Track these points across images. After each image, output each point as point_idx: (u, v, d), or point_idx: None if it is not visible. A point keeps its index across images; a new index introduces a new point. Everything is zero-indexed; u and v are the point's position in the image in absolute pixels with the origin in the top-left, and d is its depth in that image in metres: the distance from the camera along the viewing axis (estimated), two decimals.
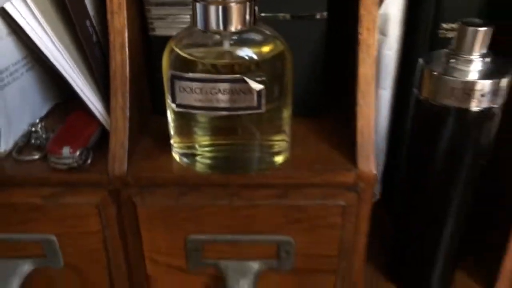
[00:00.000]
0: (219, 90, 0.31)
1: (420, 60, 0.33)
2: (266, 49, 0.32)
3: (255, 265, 0.37)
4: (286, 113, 0.35)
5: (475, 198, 0.36)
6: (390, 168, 0.46)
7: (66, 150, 0.34)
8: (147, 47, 0.40)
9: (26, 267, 0.37)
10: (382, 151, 0.46)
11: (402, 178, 0.38)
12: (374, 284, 0.41)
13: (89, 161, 0.35)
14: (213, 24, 0.31)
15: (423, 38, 0.39)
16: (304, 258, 0.37)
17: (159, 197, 0.35)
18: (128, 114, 0.35)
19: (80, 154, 0.34)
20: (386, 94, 0.42)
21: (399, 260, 0.40)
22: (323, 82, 0.40)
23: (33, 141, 0.37)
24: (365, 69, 0.35)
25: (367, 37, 0.34)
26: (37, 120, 0.39)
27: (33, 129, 0.38)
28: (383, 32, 0.40)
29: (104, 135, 0.37)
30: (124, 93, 0.36)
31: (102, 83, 0.37)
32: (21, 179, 0.35)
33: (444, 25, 0.36)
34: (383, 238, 0.43)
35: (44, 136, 0.38)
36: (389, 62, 0.41)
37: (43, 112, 0.41)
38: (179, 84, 0.31)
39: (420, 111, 0.34)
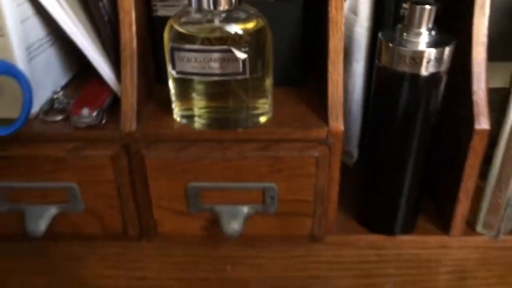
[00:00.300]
0: (211, 59, 0.38)
1: (380, 35, 0.40)
2: (250, 25, 0.39)
3: (244, 209, 0.44)
4: (268, 81, 0.42)
5: (429, 151, 0.42)
6: (365, 132, 0.52)
7: (85, 111, 0.41)
8: (151, 26, 0.46)
9: (52, 211, 0.44)
10: (358, 118, 0.52)
11: (368, 134, 0.45)
12: (347, 227, 0.47)
13: (104, 121, 0.42)
14: (205, 5, 0.37)
15: (388, 16, 0.45)
16: (286, 203, 0.44)
17: (163, 150, 0.42)
18: (136, 82, 0.42)
19: (97, 114, 0.41)
20: (359, 66, 0.49)
21: (368, 206, 0.47)
22: (302, 56, 0.46)
23: (56, 105, 0.44)
24: (334, 42, 0.41)
25: (335, 15, 0.41)
26: (59, 89, 0.46)
27: (56, 96, 0.45)
28: (355, 12, 0.46)
29: (116, 100, 0.44)
30: (132, 64, 0.42)
31: (114, 56, 0.44)
32: (48, 136, 0.42)
33: (404, 5, 0.42)
34: (358, 192, 0.49)
35: (65, 101, 0.44)
36: (360, 38, 0.47)
37: (64, 81, 0.48)
38: (178, 54, 0.38)
39: (380, 77, 0.41)
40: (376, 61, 0.40)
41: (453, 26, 0.42)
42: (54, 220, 0.44)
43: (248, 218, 0.44)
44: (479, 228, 0.46)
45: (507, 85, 0.43)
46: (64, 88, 0.47)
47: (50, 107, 0.44)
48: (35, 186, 0.43)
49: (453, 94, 0.43)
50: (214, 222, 0.45)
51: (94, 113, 0.41)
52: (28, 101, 0.37)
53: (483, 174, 0.45)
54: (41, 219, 0.44)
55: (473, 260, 0.46)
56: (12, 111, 0.40)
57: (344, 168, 0.47)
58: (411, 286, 0.43)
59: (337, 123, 0.41)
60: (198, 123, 0.42)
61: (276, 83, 0.43)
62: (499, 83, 0.44)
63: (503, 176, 0.43)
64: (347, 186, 0.47)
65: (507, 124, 0.42)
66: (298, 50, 0.46)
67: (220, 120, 0.42)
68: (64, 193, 0.43)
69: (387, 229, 0.47)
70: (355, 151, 0.54)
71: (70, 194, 0.43)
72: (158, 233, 0.46)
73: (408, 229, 0.47)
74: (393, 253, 0.46)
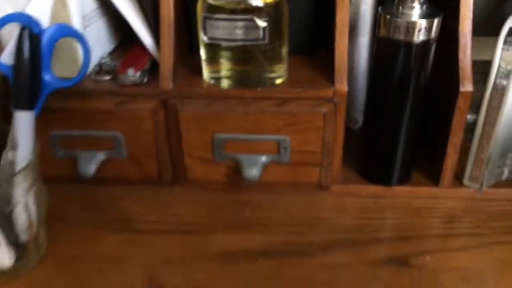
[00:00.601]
0: (236, 27, 0.45)
1: (379, 9, 0.47)
2: None
3: (262, 158, 0.51)
4: (284, 49, 0.49)
5: (422, 111, 0.49)
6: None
7: (130, 71, 0.49)
8: (185, 1, 0.54)
9: (100, 157, 0.52)
10: (363, 87, 0.59)
11: (369, 95, 0.52)
12: (350, 179, 0.55)
13: (145, 80, 0.50)
14: None
15: None
16: (297, 154, 0.51)
17: (194, 105, 0.49)
18: (172, 48, 0.50)
19: (140, 74, 0.49)
20: (364, 40, 0.56)
21: (369, 161, 0.54)
22: (313, 28, 0.54)
23: (104, 68, 0.52)
24: (341, 17, 0.48)
25: None
26: (106, 54, 0.54)
27: (103, 60, 0.53)
28: None
29: (155, 64, 0.52)
30: (170, 33, 0.50)
31: (154, 26, 0.52)
32: (98, 92, 0.50)
33: None
34: (361, 151, 0.57)
35: (112, 64, 0.52)
36: (366, 15, 0.54)
37: (110, 48, 0.56)
38: (209, 23, 0.46)
39: (380, 46, 0.48)
40: (376, 31, 0.47)
41: (444, 2, 0.49)
42: (101, 165, 0.53)
43: (265, 167, 0.52)
44: (465, 181, 0.53)
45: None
46: (110, 54, 0.55)
47: (100, 69, 0.52)
48: (87, 135, 0.51)
49: (443, 62, 0.49)
50: (236, 170, 0.52)
51: (138, 73, 0.49)
52: (87, 59, 0.46)
53: (469, 136, 0.51)
54: (91, 164, 0.52)
55: (459, 209, 0.53)
56: (68, 71, 0.48)
57: (350, 132, 0.54)
58: (402, 227, 0.50)
59: (341, 85, 0.48)
60: (224, 83, 0.49)
61: (291, 52, 0.51)
62: (485, 56, 0.51)
63: (485, 136, 0.50)
64: (352, 148, 0.54)
65: (488, 90, 0.48)
66: (310, 23, 0.53)
67: (242, 81, 0.49)
68: (111, 141, 0.52)
69: (385, 181, 0.54)
70: (360, 117, 0.61)
71: (116, 143, 0.52)
72: (188, 179, 0.54)
73: (403, 181, 0.54)
74: (389, 202, 0.53)
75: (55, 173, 0.53)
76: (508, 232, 0.50)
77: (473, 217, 0.52)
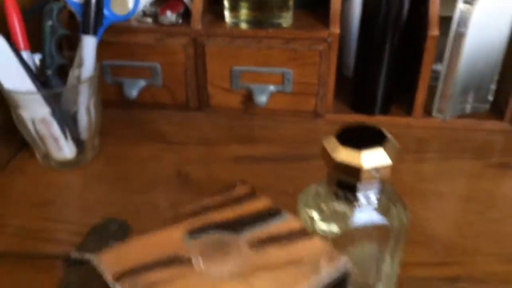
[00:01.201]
0: None
1: None
2: None
3: (270, 87, 0.64)
4: (291, 1, 0.62)
5: (400, 52, 0.62)
6: None
7: (168, 13, 0.62)
8: None
9: (141, 83, 0.65)
10: (355, 38, 0.72)
11: (358, 41, 0.64)
12: (341, 110, 0.67)
13: (180, 21, 0.63)
14: None
15: None
16: (298, 85, 0.64)
17: (217, 42, 0.62)
18: None
19: (176, 16, 0.62)
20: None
21: (357, 94, 0.67)
22: None
23: (147, 13, 0.65)
24: None
25: None
26: (149, 2, 0.67)
27: (145, 7, 0.66)
28: None
29: (187, 11, 0.65)
30: None
31: None
32: (143, 29, 0.63)
33: None
34: (351, 89, 0.69)
35: (152, 10, 0.65)
36: None
37: None
38: None
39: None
40: None
41: None
42: (142, 91, 0.66)
43: (271, 95, 0.65)
44: (434, 113, 0.66)
45: None
46: (152, 3, 0.68)
47: (143, 13, 0.65)
48: (131, 65, 0.65)
49: (417, 15, 0.62)
50: (249, 97, 0.65)
51: (174, 15, 0.62)
52: (137, 1, 0.59)
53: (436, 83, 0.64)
54: (134, 89, 0.65)
55: (429, 134, 0.65)
56: (121, 11, 0.61)
57: (344, 78, 0.67)
58: None
59: (335, 28, 0.61)
60: (242, 25, 0.62)
61: (298, 6, 0.64)
62: (451, 13, 0.63)
63: (448, 75, 0.62)
64: (345, 89, 0.67)
65: (450, 36, 0.61)
66: None
67: (257, 23, 0.62)
68: (150, 71, 0.65)
69: (369, 111, 0.66)
70: (352, 63, 0.73)
71: (154, 72, 0.65)
72: (210, 105, 0.67)
73: (383, 111, 0.67)
74: None
75: (105, 98, 0.66)
76: (464, 150, 0.62)
77: (439, 140, 0.64)
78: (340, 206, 0.33)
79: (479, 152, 0.62)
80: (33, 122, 0.55)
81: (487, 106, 0.67)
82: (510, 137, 0.64)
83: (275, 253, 0.21)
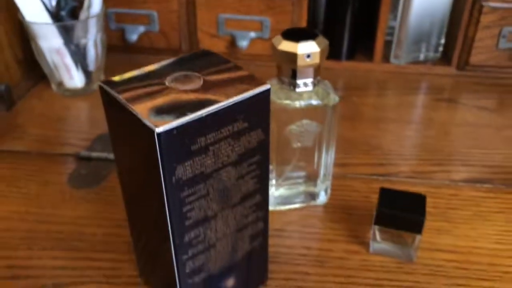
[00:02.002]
0: None
1: None
2: None
3: (251, 33, 0.75)
4: None
5: (361, 8, 0.72)
6: None
7: None
8: None
9: (141, 29, 0.76)
10: None
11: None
12: None
13: None
14: None
15: None
16: (273, 31, 0.75)
17: None
18: None
19: None
20: None
21: None
22: None
23: None
24: None
25: None
26: None
27: None
28: None
29: None
30: None
31: None
32: None
33: None
34: None
35: None
36: None
37: None
38: None
39: None
40: None
41: None
42: (141, 36, 0.76)
43: (252, 41, 0.75)
44: (391, 59, 0.76)
45: None
46: None
47: None
48: (131, 12, 0.75)
49: None
50: (232, 43, 0.76)
51: None
52: None
53: (393, 32, 0.74)
54: (134, 33, 0.76)
55: (388, 78, 0.76)
56: None
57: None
58: (348, 86, 0.74)
59: None
60: None
61: None
62: None
63: (401, 26, 0.73)
64: None
65: None
66: None
67: None
68: (148, 18, 0.75)
69: (337, 58, 0.77)
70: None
71: (151, 19, 0.75)
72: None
73: (349, 58, 0.77)
74: (339, 73, 0.77)
75: (109, 42, 0.77)
76: (415, 89, 0.73)
77: (396, 82, 0.75)
78: (285, 90, 0.44)
79: (428, 91, 0.73)
80: (50, 52, 0.65)
81: (438, 55, 0.77)
82: (456, 80, 0.75)
83: (221, 77, 0.32)
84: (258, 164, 0.35)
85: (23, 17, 0.63)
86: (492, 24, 0.70)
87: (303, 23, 0.74)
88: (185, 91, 0.31)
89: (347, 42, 0.76)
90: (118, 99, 0.30)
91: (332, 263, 0.45)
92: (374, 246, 0.45)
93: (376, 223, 0.44)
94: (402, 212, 0.42)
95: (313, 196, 0.51)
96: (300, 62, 0.41)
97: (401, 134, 0.63)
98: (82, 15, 0.67)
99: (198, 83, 0.32)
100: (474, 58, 0.73)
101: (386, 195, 0.44)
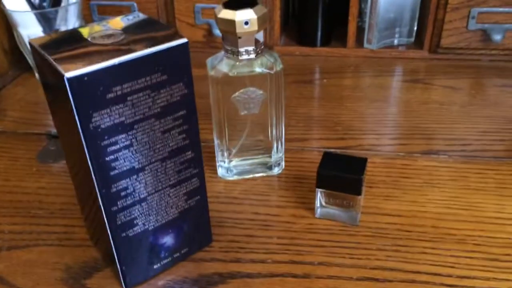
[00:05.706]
0: None
1: None
2: None
3: None
4: None
5: None
6: None
7: None
8: None
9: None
10: None
11: None
12: (288, 43, 0.80)
13: None
14: None
15: None
16: None
17: None
18: None
19: None
20: None
21: (301, 29, 0.79)
22: None
23: None
24: None
25: None
26: None
27: None
28: None
29: None
30: None
31: None
32: None
33: None
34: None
35: None
36: None
37: None
38: None
39: None
40: None
41: None
42: None
43: None
44: (365, 44, 0.78)
45: None
46: None
47: None
48: (113, 4, 0.78)
49: None
50: (209, 32, 0.78)
51: None
52: None
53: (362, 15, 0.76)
54: None
55: (361, 62, 0.77)
56: None
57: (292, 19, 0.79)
58: (323, 70, 0.75)
59: None
60: None
61: None
62: None
63: (372, 12, 0.74)
64: (293, 28, 0.79)
65: None
66: None
67: None
68: (129, 8, 0.78)
69: (312, 44, 0.79)
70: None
71: (132, 9, 0.78)
72: None
73: (324, 44, 0.79)
74: (316, 58, 0.78)
75: None
76: (387, 71, 0.74)
77: (369, 65, 0.76)
78: (230, 59, 0.46)
79: (398, 73, 0.74)
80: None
81: (412, 40, 0.78)
82: (428, 63, 0.76)
83: (146, 35, 0.34)
84: (184, 119, 0.36)
85: (3, 6, 0.67)
86: (460, 6, 0.70)
87: (277, 12, 0.76)
88: (105, 45, 0.33)
89: (321, 29, 0.77)
90: (39, 50, 0.33)
91: (278, 227, 0.46)
92: (320, 210, 0.46)
93: (318, 186, 0.45)
94: (341, 173, 0.43)
95: (269, 167, 0.52)
96: (238, 29, 0.43)
97: (365, 112, 0.64)
98: (63, 3, 0.70)
99: (119, 38, 0.34)
100: (445, 41, 0.73)
101: (329, 158, 0.45)
